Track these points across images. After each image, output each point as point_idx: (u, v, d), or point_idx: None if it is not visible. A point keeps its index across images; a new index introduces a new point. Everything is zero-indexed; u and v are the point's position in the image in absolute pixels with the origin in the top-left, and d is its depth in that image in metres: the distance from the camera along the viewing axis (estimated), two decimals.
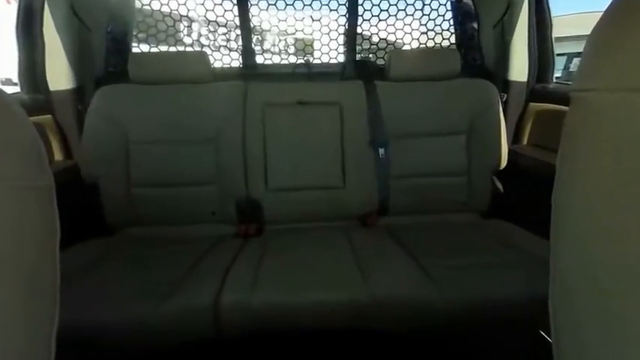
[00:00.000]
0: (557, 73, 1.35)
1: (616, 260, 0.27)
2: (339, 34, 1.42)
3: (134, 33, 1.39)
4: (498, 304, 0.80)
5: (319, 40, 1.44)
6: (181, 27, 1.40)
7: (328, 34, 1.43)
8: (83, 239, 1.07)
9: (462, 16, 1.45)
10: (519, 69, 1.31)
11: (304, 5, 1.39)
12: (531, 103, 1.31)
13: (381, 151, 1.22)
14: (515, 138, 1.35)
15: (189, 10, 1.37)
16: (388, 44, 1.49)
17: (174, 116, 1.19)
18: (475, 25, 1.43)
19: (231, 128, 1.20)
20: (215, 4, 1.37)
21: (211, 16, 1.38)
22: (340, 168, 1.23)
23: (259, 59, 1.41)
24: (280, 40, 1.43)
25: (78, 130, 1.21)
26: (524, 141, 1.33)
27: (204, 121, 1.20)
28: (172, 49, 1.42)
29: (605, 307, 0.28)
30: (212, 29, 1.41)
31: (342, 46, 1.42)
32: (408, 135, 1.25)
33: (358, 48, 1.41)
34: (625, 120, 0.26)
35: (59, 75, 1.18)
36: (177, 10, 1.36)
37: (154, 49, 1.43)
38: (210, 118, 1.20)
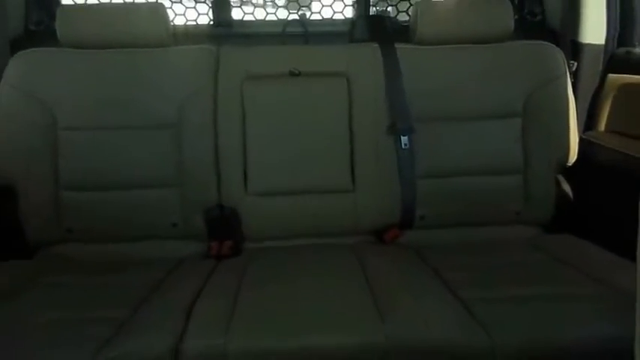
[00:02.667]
0: None
1: None
2: None
3: None
4: (569, 351, 0.64)
5: None
6: None
7: None
8: None
9: None
10: (595, 28, 1.03)
11: None
12: (610, 75, 1.02)
13: (404, 139, 0.93)
14: (588, 122, 1.07)
15: None
16: None
17: (119, 93, 0.93)
18: None
19: (198, 109, 0.93)
20: None
21: None
22: (348, 163, 0.95)
23: (236, 13, 1.10)
24: None
25: None
26: (602, 127, 1.04)
27: (161, 100, 0.93)
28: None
29: None
30: None
31: None
32: (440, 118, 0.97)
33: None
34: None
35: None
36: None
37: (91, 1, 1.14)
38: (169, 96, 0.93)
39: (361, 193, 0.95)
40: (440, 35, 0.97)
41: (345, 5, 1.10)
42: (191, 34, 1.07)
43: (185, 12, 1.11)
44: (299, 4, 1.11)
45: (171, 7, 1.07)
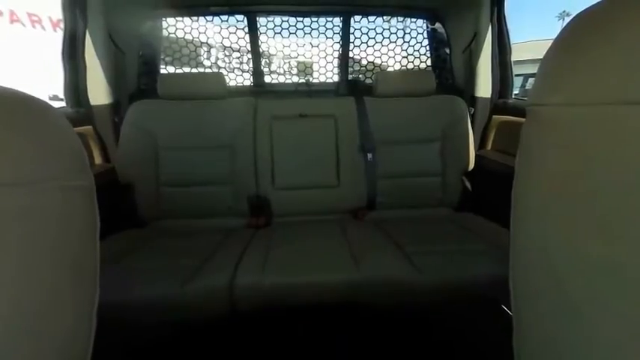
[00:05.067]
0: (515, 91, 1.34)
1: (564, 246, 0.27)
2: (334, 57, 1.42)
3: (162, 57, 1.38)
4: (468, 284, 0.81)
5: (317, 62, 1.43)
6: (202, 52, 1.40)
7: (325, 57, 1.43)
8: (119, 231, 1.06)
9: (436, 43, 1.45)
10: (484, 87, 1.32)
11: (305, 34, 1.39)
12: (494, 116, 1.31)
13: (370, 155, 1.21)
14: (481, 144, 1.35)
15: (208, 38, 1.36)
16: (375, 66, 1.48)
17: (195, 126, 1.18)
18: (447, 51, 1.43)
19: (243, 136, 1.20)
20: (230, 33, 1.36)
21: (227, 43, 1.38)
22: (335, 170, 1.23)
23: (267, 79, 1.40)
24: (285, 63, 1.42)
25: (115, 139, 1.20)
26: (489, 147, 1.33)
27: (220, 131, 1.19)
28: (194, 70, 1.41)
29: (556, 285, 0.29)
30: (227, 54, 1.40)
31: (337, 68, 1.42)
32: (391, 142, 1.25)
33: (350, 69, 1.41)
34: (570, 129, 0.26)
35: (98, 92, 1.18)
36: (198, 37, 1.36)
37: (179, 70, 1.42)
38: (225, 128, 1.19)
39: (343, 188, 1.21)
40: (391, 91, 1.24)
41: (333, 74, 1.41)
42: (239, 91, 1.34)
43: (236, 78, 1.39)
44: (305, 72, 1.42)
45: (227, 75, 1.35)
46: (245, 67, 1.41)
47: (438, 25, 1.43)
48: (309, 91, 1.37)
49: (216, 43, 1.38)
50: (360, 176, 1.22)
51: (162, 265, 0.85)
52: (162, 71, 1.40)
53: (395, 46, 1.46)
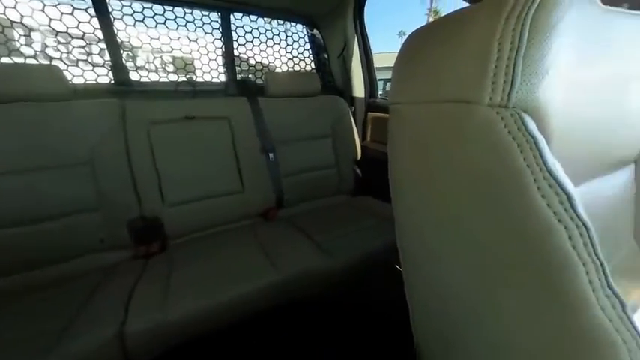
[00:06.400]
0: (380, 92, 1.56)
1: (430, 217, 0.33)
2: (217, 55, 1.27)
3: None
4: (369, 253, 0.90)
5: (199, 59, 1.25)
6: (15, 35, 0.95)
7: (207, 54, 1.26)
8: None
9: (316, 48, 1.53)
10: (359, 88, 1.49)
11: (178, 25, 1.17)
12: (369, 113, 1.50)
13: (271, 155, 1.18)
14: (363, 137, 1.53)
15: (22, 17, 0.94)
16: (264, 66, 1.43)
17: (34, 140, 0.84)
18: (326, 55, 1.53)
19: (108, 148, 0.93)
20: (62, 14, 0.99)
21: (60, 27, 0.99)
22: (237, 174, 1.13)
23: (134, 76, 1.11)
24: (155, 58, 1.16)
25: None
26: (369, 139, 1.52)
27: (72, 144, 0.88)
28: (6, 60, 0.95)
29: (421, 241, 0.35)
30: (63, 40, 1.01)
31: (222, 67, 1.28)
32: (289, 141, 1.25)
33: (238, 69, 1.31)
34: (415, 122, 0.32)
35: None
36: (3, 13, 0.92)
37: None
38: (79, 139, 0.89)
39: (248, 192, 1.13)
40: (282, 92, 1.23)
41: (219, 72, 1.26)
42: (93, 91, 1.02)
43: (83, 73, 1.03)
44: (186, 70, 1.20)
45: (67, 69, 1.00)
46: (98, 60, 1.07)
47: (316, 32, 1.50)
48: (194, 90, 1.19)
49: (39, 26, 0.97)
50: (265, 177, 1.17)
51: (17, 336, 0.59)
52: None
53: (279, 48, 1.45)
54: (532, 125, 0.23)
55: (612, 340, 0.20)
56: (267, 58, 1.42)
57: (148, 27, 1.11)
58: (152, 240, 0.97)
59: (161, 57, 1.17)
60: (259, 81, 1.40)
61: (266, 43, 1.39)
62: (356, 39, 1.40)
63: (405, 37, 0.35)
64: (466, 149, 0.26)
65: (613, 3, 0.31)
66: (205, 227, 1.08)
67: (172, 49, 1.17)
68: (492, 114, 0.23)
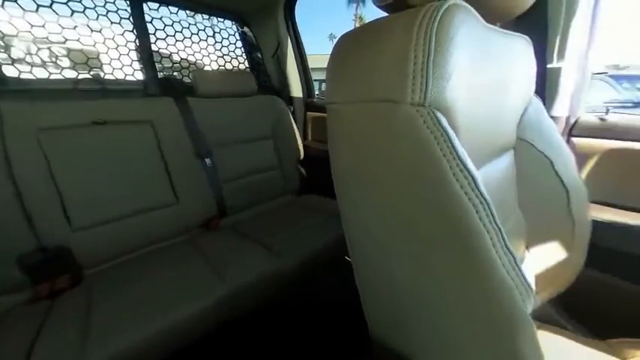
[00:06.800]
0: (316, 92, 1.61)
1: (372, 208, 0.35)
2: (130, 49, 1.09)
3: None
4: (319, 249, 0.92)
5: (107, 53, 1.05)
6: None
7: (117, 48, 1.07)
8: None
9: (249, 46, 1.47)
10: (296, 89, 1.49)
11: (72, 12, 0.96)
12: (308, 112, 1.52)
13: (208, 160, 1.08)
14: (304, 136, 1.54)
15: None
16: (190, 64, 1.30)
17: None
18: (260, 54, 1.48)
19: None
20: None
21: None
22: (168, 184, 1.00)
23: (10, 72, 0.86)
24: (40, 49, 0.92)
25: None
26: (309, 138, 1.54)
27: None
28: None
29: (373, 236, 0.37)
30: None
31: (138, 63, 1.11)
32: (227, 143, 1.17)
33: (159, 66, 1.15)
34: (352, 122, 0.33)
35: None
36: None
37: None
38: None
39: (185, 202, 1.01)
40: (215, 91, 1.14)
41: (134, 69, 1.08)
42: None
43: None
44: (89, 66, 0.98)
45: None
46: None
47: (247, 30, 1.44)
48: (103, 90, 0.99)
49: None
50: (203, 184, 1.07)
51: None
52: None
53: (207, 44, 1.34)
54: (444, 121, 0.27)
55: (509, 286, 0.27)
56: (193, 55, 1.29)
57: (24, 10, 0.87)
58: (58, 274, 0.78)
59: (49, 48, 0.93)
60: (187, 79, 1.27)
61: (191, 38, 1.27)
62: (289, 39, 1.39)
63: (335, 40, 0.37)
64: (396, 144, 0.29)
65: (490, 22, 0.39)
66: (134, 248, 0.93)
67: (66, 40, 0.95)
68: (414, 112, 0.27)
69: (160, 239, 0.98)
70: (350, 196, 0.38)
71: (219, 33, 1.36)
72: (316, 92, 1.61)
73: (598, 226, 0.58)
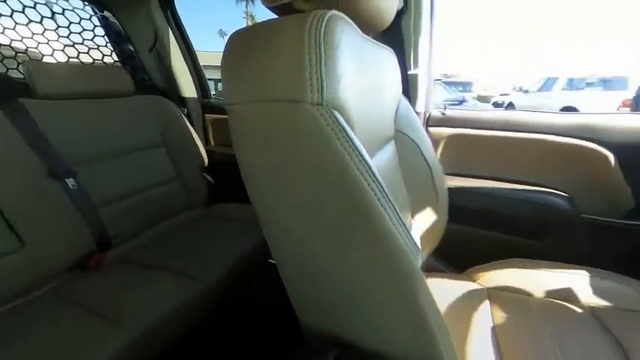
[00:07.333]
0: (213, 92, 1.49)
1: (287, 208, 0.36)
2: None
3: None
4: (241, 258, 0.87)
5: None
6: None
7: None
8: None
9: (114, 35, 1.19)
10: (189, 88, 1.33)
11: None
12: (207, 115, 1.39)
13: (70, 181, 0.82)
14: (207, 141, 1.40)
15: None
16: (17, 52, 0.94)
17: None
18: (131, 47, 1.23)
19: None
20: None
21: None
22: (5, 225, 0.71)
23: None
24: None
25: None
26: (213, 143, 1.42)
27: None
28: None
29: (292, 234, 0.39)
30: None
31: None
32: (100, 157, 0.92)
33: None
34: (255, 122, 0.33)
35: None
36: None
37: None
38: None
39: (36, 245, 0.73)
40: (67, 91, 0.89)
41: None
42: None
43: None
44: None
45: None
46: None
47: (109, 15, 1.17)
48: None
49: None
50: (66, 213, 0.81)
51: None
52: None
53: (43, 28, 1.00)
54: (341, 119, 0.30)
55: (405, 250, 0.33)
56: (22, 40, 0.94)
57: None
58: None
59: None
60: (16, 74, 0.93)
61: (12, 17, 0.92)
62: (170, 31, 1.22)
63: (226, 37, 0.36)
64: (301, 142, 0.31)
65: (365, 32, 0.47)
66: None
67: None
68: (314, 111, 0.29)
69: (5, 300, 0.70)
70: (264, 198, 0.38)
71: (62, 14, 1.04)
72: (213, 92, 1.49)
73: (452, 191, 0.78)
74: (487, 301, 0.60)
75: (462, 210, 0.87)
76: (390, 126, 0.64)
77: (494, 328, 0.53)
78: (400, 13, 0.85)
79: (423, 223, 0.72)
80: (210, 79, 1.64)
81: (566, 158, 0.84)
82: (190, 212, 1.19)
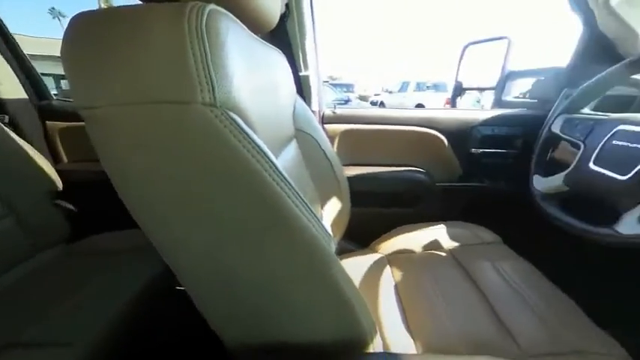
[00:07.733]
0: (54, 91, 1.12)
1: (184, 220, 0.33)
2: None
3: None
4: (134, 297, 0.72)
5: None
6: None
7: None
8: None
9: None
10: (11, 87, 0.96)
11: None
12: (49, 122, 1.04)
13: None
14: (56, 159, 1.05)
15: None
16: None
17: None
18: None
19: None
20: None
21: None
22: None
23: None
24: None
25: None
26: (66, 159, 1.09)
27: None
28: None
29: (186, 247, 0.35)
30: None
31: None
32: None
33: None
34: (130, 127, 0.28)
35: None
36: None
37: None
38: None
39: None
40: None
41: None
42: None
43: None
44: None
45: None
46: None
47: None
48: None
49: None
50: None
51: None
52: None
53: None
54: (240, 121, 0.29)
55: (319, 239, 0.35)
56: None
57: None
58: None
59: None
60: None
61: None
62: None
63: (64, 20, 0.27)
64: (195, 147, 0.28)
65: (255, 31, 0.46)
66: None
67: None
68: (208, 112, 0.26)
69: None
70: (153, 212, 0.33)
71: None
72: (54, 92, 1.13)
73: (350, 179, 0.89)
74: (388, 266, 0.73)
75: (361, 194, 1.01)
76: (289, 125, 0.67)
77: (396, 286, 0.65)
78: (284, 17, 0.88)
79: (331, 211, 0.79)
80: (48, 75, 1.22)
81: (421, 143, 1.11)
82: (42, 255, 0.87)
